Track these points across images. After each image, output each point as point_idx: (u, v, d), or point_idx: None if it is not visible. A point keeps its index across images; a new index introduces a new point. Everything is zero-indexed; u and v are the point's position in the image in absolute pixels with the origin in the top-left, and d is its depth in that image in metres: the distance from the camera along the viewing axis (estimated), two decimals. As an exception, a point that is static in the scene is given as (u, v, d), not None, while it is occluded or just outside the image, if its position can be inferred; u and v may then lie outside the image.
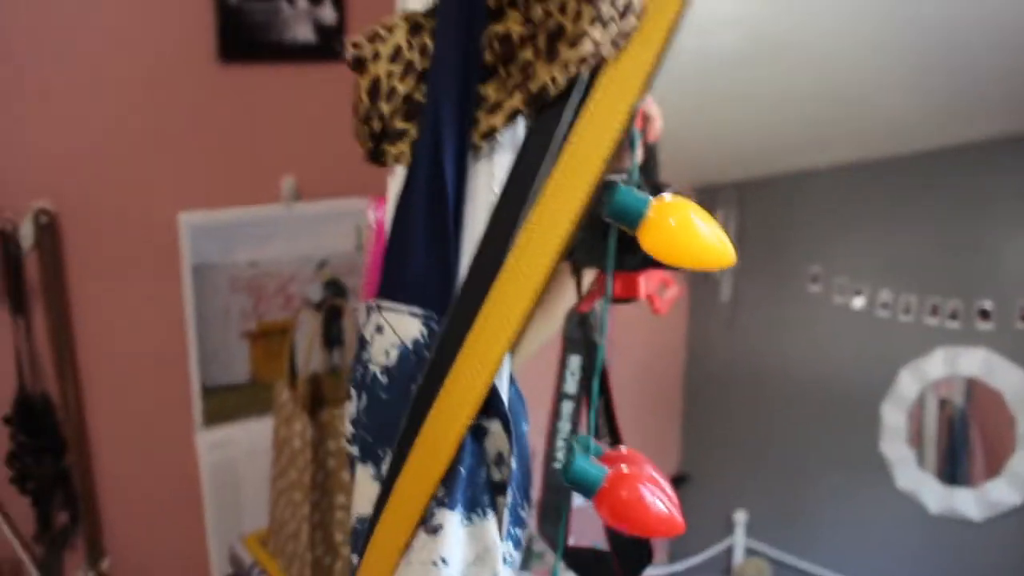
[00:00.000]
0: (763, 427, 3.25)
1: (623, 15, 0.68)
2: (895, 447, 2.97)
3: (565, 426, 1.01)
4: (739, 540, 3.31)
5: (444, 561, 0.71)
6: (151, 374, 2.08)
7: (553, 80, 0.70)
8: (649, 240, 0.72)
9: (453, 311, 0.76)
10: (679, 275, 1.03)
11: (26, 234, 1.84)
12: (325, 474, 1.76)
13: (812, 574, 3.14)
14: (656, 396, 3.26)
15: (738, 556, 3.31)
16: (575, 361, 1.00)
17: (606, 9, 0.67)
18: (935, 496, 2.89)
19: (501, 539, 0.74)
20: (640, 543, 0.98)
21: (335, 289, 2.19)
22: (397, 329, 0.78)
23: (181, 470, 2.18)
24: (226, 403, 2.15)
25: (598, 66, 0.70)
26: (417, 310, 0.78)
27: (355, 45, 0.83)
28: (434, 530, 0.73)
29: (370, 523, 0.77)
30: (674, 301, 1.04)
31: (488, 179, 0.78)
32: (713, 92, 2.02)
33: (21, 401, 1.94)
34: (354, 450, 0.82)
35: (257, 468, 2.20)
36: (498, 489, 0.77)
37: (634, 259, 0.88)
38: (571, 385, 1.00)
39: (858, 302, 3.04)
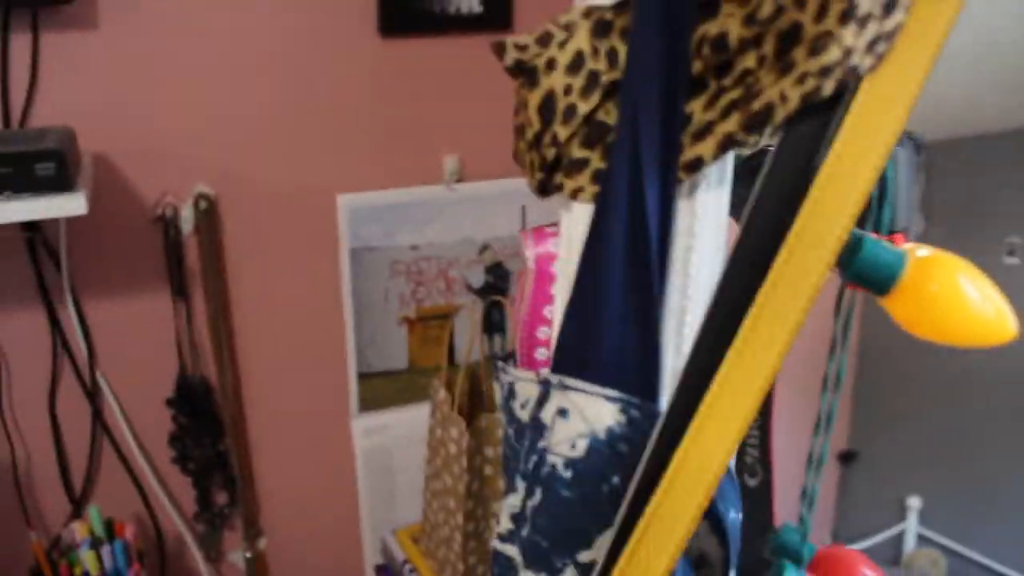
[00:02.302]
0: (944, 408, 2.99)
1: (888, 10, 0.49)
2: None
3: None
4: (911, 527, 3.10)
5: None
6: (307, 358, 2.03)
7: (783, 98, 0.52)
8: (902, 310, 0.56)
9: (674, 400, 0.61)
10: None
11: (187, 218, 1.80)
12: (480, 482, 1.67)
13: (994, 571, 2.90)
14: (826, 362, 3.05)
15: (909, 544, 3.10)
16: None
17: (864, 2, 0.49)
18: None
19: None
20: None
21: (498, 274, 2.07)
22: (587, 415, 0.64)
23: (336, 455, 2.14)
24: (382, 389, 2.09)
25: (848, 81, 0.52)
26: (613, 393, 0.63)
27: (519, 48, 0.67)
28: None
29: None
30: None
31: (689, 222, 0.62)
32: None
33: (182, 384, 1.93)
34: (512, 552, 0.70)
35: (412, 455, 2.14)
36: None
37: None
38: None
39: (1062, 277, 2.73)
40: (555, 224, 0.75)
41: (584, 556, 0.65)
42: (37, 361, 1.81)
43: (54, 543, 1.85)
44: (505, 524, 0.70)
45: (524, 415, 0.69)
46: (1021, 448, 2.84)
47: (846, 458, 3.28)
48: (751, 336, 0.56)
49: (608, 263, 0.63)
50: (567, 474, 0.65)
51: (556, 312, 0.71)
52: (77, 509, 1.90)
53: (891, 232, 0.76)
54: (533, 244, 0.79)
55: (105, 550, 1.78)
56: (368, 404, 2.09)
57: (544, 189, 0.69)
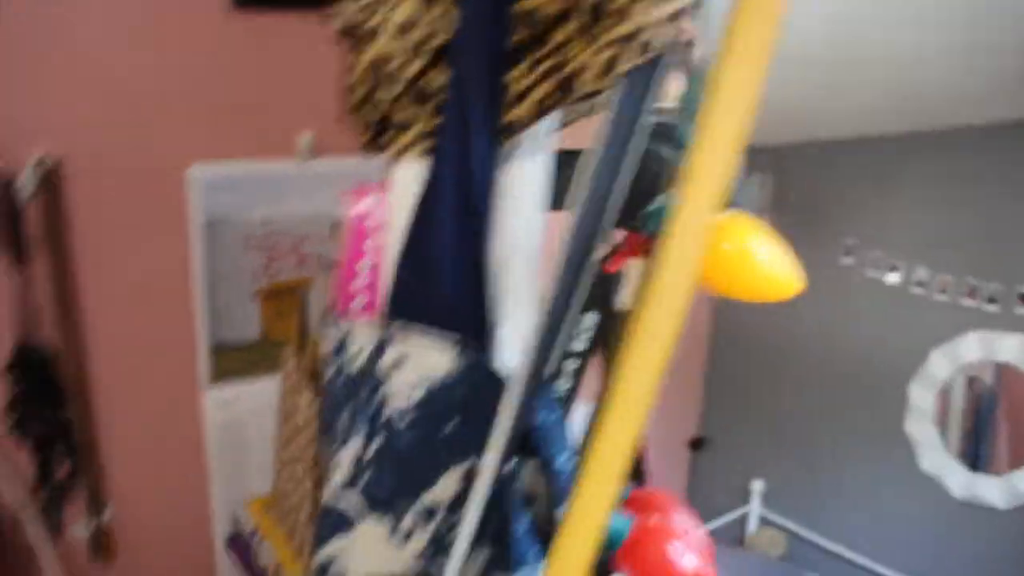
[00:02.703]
0: (787, 397, 3.16)
1: None
2: (921, 428, 2.89)
3: (565, 384, 0.93)
4: (755, 509, 3.26)
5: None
6: (157, 329, 2.01)
7: (587, 65, 0.57)
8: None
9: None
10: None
11: (25, 183, 1.75)
12: (329, 450, 1.70)
13: (828, 550, 3.08)
14: (679, 357, 3.17)
15: (752, 526, 3.26)
16: (590, 319, 0.92)
17: None
18: (959, 481, 2.81)
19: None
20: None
21: (350, 249, 2.09)
22: (425, 362, 0.67)
23: (186, 426, 2.12)
24: (235, 361, 2.08)
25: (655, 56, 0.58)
26: (448, 340, 0.66)
27: (349, 13, 0.70)
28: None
29: None
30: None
31: (511, 182, 0.66)
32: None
33: (20, 351, 1.87)
34: (347, 504, 0.72)
35: (264, 427, 2.15)
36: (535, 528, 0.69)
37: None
38: (580, 343, 0.92)
39: (892, 278, 2.93)
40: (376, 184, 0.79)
41: (428, 497, 0.68)
42: None
43: None
44: (341, 477, 0.73)
45: (358, 365, 0.72)
46: (858, 435, 3.02)
47: (696, 444, 3.40)
48: (644, 331, 0.62)
49: (440, 216, 0.67)
50: (407, 419, 0.68)
51: (384, 266, 0.75)
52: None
53: None
54: (352, 203, 0.82)
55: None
56: (221, 376, 2.08)
57: (373, 147, 0.73)
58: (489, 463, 0.65)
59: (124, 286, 1.93)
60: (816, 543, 3.11)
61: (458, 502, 0.67)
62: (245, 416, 2.13)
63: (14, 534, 2.01)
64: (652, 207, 0.71)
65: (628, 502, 0.75)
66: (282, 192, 2.00)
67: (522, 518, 0.67)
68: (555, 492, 0.68)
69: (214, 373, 2.07)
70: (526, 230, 0.67)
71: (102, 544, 2.11)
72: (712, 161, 0.58)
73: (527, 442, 0.66)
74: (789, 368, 3.15)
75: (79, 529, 2.07)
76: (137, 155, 1.86)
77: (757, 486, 3.26)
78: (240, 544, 2.07)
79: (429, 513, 0.68)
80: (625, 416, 0.63)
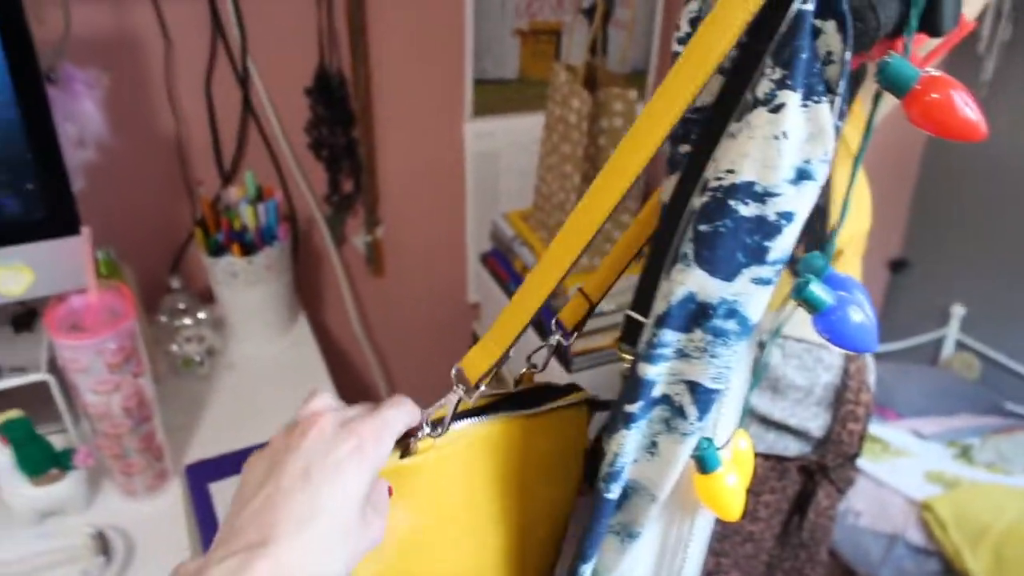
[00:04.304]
0: (998, 222, 3.09)
1: None
2: None
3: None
4: (951, 333, 3.29)
5: (785, 135, 0.81)
6: (430, 59, 2.25)
7: None
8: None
9: None
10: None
11: (336, -87, 1.99)
12: (596, 149, 1.93)
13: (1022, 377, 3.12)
14: (889, 173, 3.15)
15: (948, 349, 3.32)
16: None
17: None
18: None
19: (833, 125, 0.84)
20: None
21: (605, -7, 2.27)
22: None
23: (448, 154, 2.40)
24: (493, 96, 2.32)
25: None
26: None
27: None
28: (776, 109, 0.81)
29: None
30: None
31: None
32: None
33: (320, 75, 2.16)
34: None
35: (514, 160, 2.40)
36: (827, 86, 0.86)
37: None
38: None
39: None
40: None
41: None
42: (199, 44, 2.03)
43: (213, 202, 2.12)
44: None
45: None
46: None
47: (896, 266, 3.41)
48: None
49: None
50: None
51: None
52: (226, 182, 2.17)
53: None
54: None
55: (260, 208, 2.06)
56: (480, 109, 2.33)
57: None
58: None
59: (403, 16, 2.17)
60: (1013, 370, 3.12)
61: None
62: (499, 148, 2.39)
63: (309, 240, 2.36)
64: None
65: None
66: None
67: (815, 62, 0.84)
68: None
69: (475, 107, 2.32)
70: None
71: (375, 256, 2.44)
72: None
73: None
74: (1008, 190, 3.00)
75: (358, 241, 2.40)
76: None
77: (957, 310, 3.25)
78: (497, 255, 2.36)
79: None
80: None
